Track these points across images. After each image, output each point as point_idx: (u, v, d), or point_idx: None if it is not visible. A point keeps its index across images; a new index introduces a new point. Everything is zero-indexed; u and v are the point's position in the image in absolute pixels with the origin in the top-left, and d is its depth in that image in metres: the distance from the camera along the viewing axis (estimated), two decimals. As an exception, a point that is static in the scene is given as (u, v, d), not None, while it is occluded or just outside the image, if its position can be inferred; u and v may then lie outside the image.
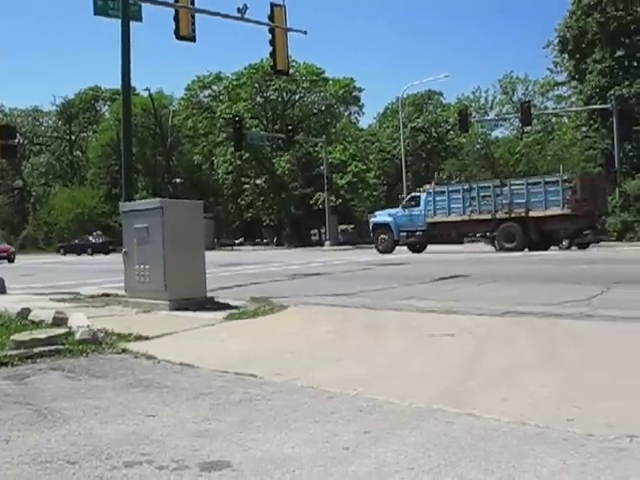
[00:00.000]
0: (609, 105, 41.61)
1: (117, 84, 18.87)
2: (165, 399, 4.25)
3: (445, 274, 14.84)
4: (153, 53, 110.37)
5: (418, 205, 34.21)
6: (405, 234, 34.42)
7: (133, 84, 24.36)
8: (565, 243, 30.92)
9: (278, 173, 63.83)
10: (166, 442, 3.34)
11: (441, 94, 76.68)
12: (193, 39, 20.22)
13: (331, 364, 5.25)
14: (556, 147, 63.36)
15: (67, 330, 6.48)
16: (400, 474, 2.82)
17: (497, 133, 73.65)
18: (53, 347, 5.87)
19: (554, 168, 63.26)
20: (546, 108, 66.88)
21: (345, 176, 61.07)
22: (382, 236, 35.43)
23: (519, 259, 22.17)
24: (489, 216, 31.30)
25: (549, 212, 29.29)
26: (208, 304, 9.17)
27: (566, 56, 49.91)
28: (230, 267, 21.95)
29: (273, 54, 21.82)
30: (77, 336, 6.19)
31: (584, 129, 50.50)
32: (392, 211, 36.81)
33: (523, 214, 30.04)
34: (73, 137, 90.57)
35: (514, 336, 6.27)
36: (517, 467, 2.84)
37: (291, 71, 39.27)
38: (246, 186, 67.57)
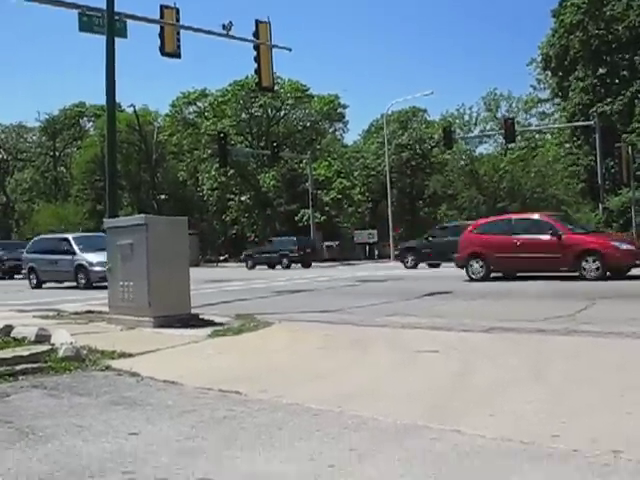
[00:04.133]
0: (592, 122, 41.89)
1: (102, 100, 18.91)
2: (149, 417, 4.22)
3: (429, 291, 14.86)
4: (138, 69, 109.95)
5: None
6: None
7: (118, 100, 24.36)
8: None
9: (263, 189, 63.77)
10: (150, 460, 3.31)
11: (425, 111, 76.75)
12: (178, 55, 20.25)
13: (316, 381, 5.23)
14: (540, 163, 63.57)
15: (50, 347, 6.43)
16: (385, 491, 2.80)
17: (481, 149, 73.82)
18: (36, 364, 5.82)
19: (538, 184, 63.78)
20: (530, 125, 67.26)
21: (330, 192, 61.10)
22: None
23: (501, 276, 22.22)
24: None
25: None
26: (192, 321, 9.12)
27: (549, 73, 50.36)
28: (215, 284, 21.88)
29: (258, 71, 21.81)
30: (60, 353, 6.14)
31: (567, 146, 50.89)
32: None
33: None
34: (57, 153, 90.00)
35: (499, 352, 6.27)
36: (502, 484, 2.83)
37: (276, 88, 39.31)
38: (231, 202, 67.44)
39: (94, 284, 20.87)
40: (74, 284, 22.48)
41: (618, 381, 4.82)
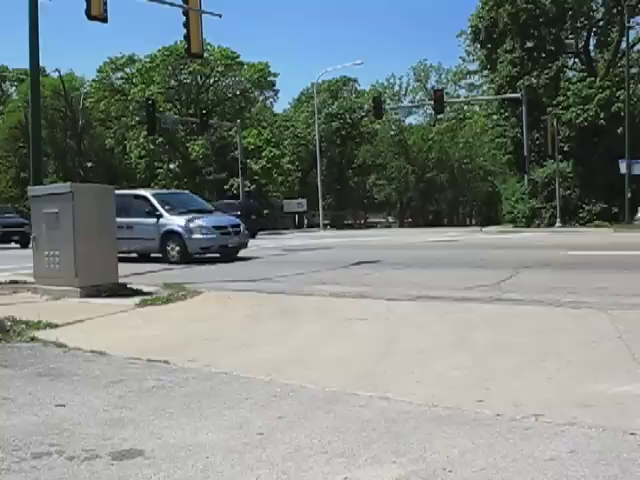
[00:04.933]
0: (519, 94, 42.53)
1: (25, 64, 18.31)
2: (76, 388, 4.17)
3: (357, 259, 14.96)
4: (64, 33, 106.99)
5: None
6: None
7: (42, 65, 23.69)
8: None
9: (192, 158, 63.10)
10: (76, 432, 3.28)
11: (356, 80, 76.90)
12: (105, 19, 19.70)
13: (245, 349, 5.25)
14: (468, 134, 64.49)
15: (-28, 318, 6.29)
16: (314, 458, 2.84)
17: (411, 120, 74.79)
18: (-43, 336, 5.69)
19: (466, 155, 64.67)
20: (458, 96, 67.94)
21: (259, 161, 60.87)
22: None
23: (431, 245, 22.52)
24: None
25: None
26: (120, 290, 9.02)
27: (478, 45, 50.71)
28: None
29: (187, 37, 21.43)
30: (-17, 324, 6.01)
31: (495, 117, 51.53)
32: None
33: None
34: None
35: (426, 320, 6.37)
36: (428, 448, 2.90)
37: (205, 55, 38.85)
38: (159, 170, 66.58)
39: (195, 255, 16.63)
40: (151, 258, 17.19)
41: (540, 348, 4.96)
